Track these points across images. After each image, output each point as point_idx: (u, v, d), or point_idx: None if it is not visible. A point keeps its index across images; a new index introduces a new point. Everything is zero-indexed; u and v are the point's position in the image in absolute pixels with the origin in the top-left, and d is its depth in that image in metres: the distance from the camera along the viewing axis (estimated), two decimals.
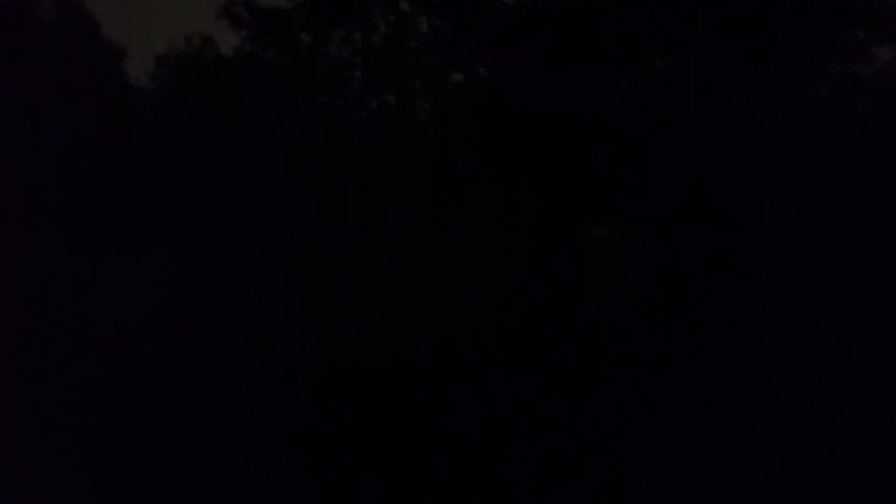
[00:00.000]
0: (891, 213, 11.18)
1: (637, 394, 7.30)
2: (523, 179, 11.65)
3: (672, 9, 9.79)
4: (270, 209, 15.55)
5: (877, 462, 5.65)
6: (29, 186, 14.00)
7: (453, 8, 10.61)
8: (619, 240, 12.44)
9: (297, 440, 6.22)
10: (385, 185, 15.57)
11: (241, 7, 16.76)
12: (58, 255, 13.78)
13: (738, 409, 7.03)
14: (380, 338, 9.62)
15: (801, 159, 11.18)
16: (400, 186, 15.53)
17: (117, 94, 16.12)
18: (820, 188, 11.33)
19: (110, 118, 15.52)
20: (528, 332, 9.65)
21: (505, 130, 11.81)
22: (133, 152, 15.71)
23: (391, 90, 17.80)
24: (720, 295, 9.76)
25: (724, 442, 6.16)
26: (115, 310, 11.72)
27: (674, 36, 9.98)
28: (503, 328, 10.06)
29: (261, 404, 7.11)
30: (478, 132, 13.86)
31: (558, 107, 9.73)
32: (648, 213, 11.40)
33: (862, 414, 6.65)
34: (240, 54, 17.34)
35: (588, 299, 9.92)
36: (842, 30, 10.97)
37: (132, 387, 7.59)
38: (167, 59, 17.65)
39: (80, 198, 14.92)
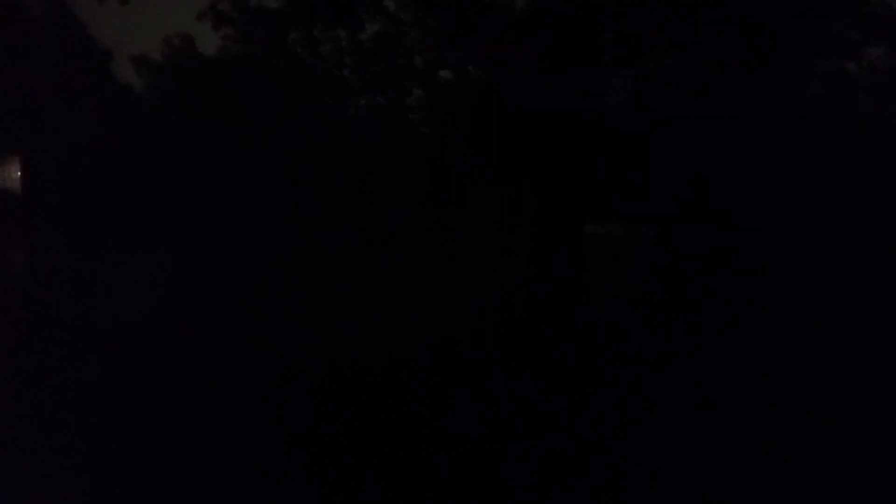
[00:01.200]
0: (891, 213, 11.18)
1: (637, 394, 7.30)
2: (523, 179, 11.66)
3: (672, 9, 9.80)
4: (270, 209, 15.54)
5: (877, 462, 5.65)
6: (28, 186, 14.01)
7: (453, 7, 10.63)
8: (620, 239, 12.44)
9: (297, 440, 6.22)
10: (384, 185, 15.57)
11: (230, 5, 16.70)
12: (57, 255, 13.78)
13: (738, 409, 7.03)
14: (380, 338, 9.61)
15: (802, 159, 11.18)
16: (399, 186, 15.52)
17: (116, 93, 16.12)
18: (821, 188, 11.33)
19: (109, 118, 15.52)
20: (528, 332, 9.65)
21: (504, 130, 11.82)
22: (131, 152, 15.71)
23: (390, 89, 17.80)
24: (720, 295, 9.77)
25: (724, 442, 6.16)
26: (114, 310, 11.71)
27: (674, 36, 9.99)
28: (503, 328, 10.05)
29: (261, 404, 7.11)
30: (477, 132, 13.87)
31: (558, 107, 9.74)
32: (648, 212, 11.41)
33: (862, 414, 6.65)
34: (232, 54, 17.30)
35: (588, 299, 9.93)
36: (838, 29, 10.99)
37: (132, 386, 7.59)
38: (148, 61, 17.57)
39: (79, 198, 14.91)
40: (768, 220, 10.69)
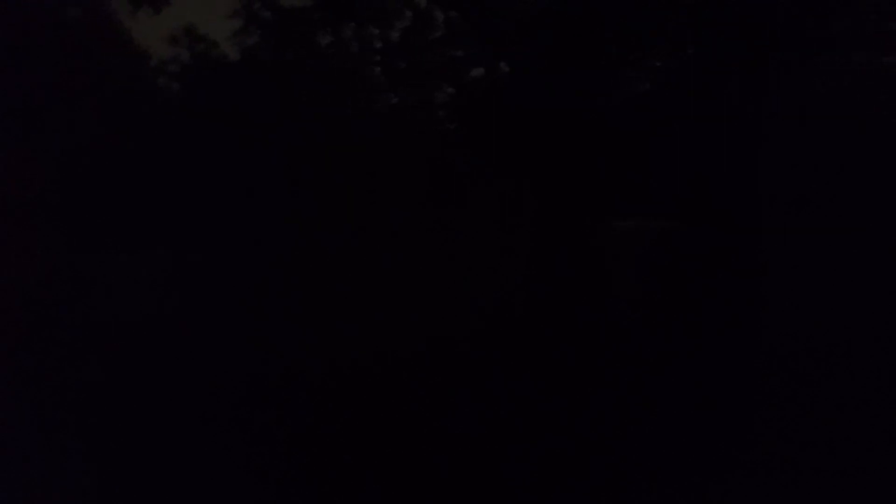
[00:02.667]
0: (891, 213, 11.17)
1: (637, 394, 7.30)
2: (524, 179, 11.66)
3: (672, 9, 9.80)
4: (270, 209, 15.55)
5: (877, 462, 5.65)
6: (29, 186, 14.01)
7: (454, 6, 10.64)
8: (619, 238, 12.42)
9: (297, 440, 6.22)
10: (385, 184, 15.57)
11: (261, 6, 16.87)
12: (57, 255, 13.77)
13: (739, 409, 7.03)
14: (380, 337, 9.62)
15: (803, 158, 11.17)
16: (400, 186, 15.53)
17: (117, 92, 16.12)
18: (821, 188, 11.32)
19: (110, 117, 15.52)
20: (528, 332, 9.64)
21: (504, 130, 11.82)
22: (133, 151, 15.71)
23: (394, 89, 17.87)
24: (721, 295, 9.77)
25: (724, 442, 6.16)
26: (114, 309, 11.71)
27: (674, 36, 9.99)
28: (503, 328, 10.05)
29: (261, 404, 7.11)
30: (477, 131, 13.87)
31: (558, 106, 9.73)
32: (648, 212, 11.42)
33: (862, 414, 6.65)
34: (248, 54, 17.39)
35: (588, 299, 9.92)
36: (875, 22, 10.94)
37: (132, 386, 7.59)
38: (167, 67, 17.67)
39: (79, 197, 14.92)
40: (769, 219, 10.68)
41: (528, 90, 10.08)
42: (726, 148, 10.32)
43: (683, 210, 10.80)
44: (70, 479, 5.38)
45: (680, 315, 10.00)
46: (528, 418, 6.67)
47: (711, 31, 9.77)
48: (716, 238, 10.30)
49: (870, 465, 5.58)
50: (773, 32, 9.64)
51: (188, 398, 7.21)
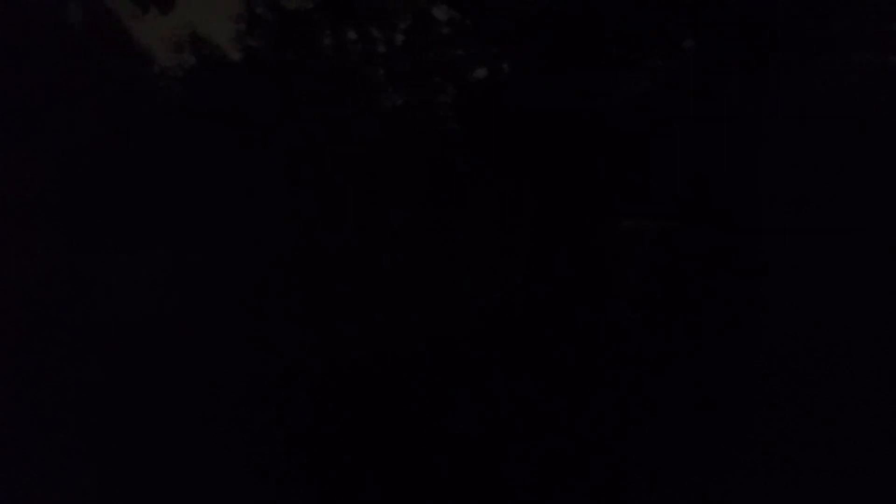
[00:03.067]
0: (892, 213, 11.17)
1: (637, 394, 7.30)
2: (524, 179, 11.67)
3: (672, 9, 9.80)
4: (270, 209, 15.55)
5: (877, 462, 5.65)
6: (29, 185, 14.01)
7: (456, 6, 10.64)
8: (620, 238, 12.43)
9: (297, 440, 6.22)
10: (385, 184, 15.57)
11: (264, 8, 16.90)
12: (57, 255, 13.78)
13: (739, 409, 7.03)
14: (380, 337, 9.62)
15: (805, 158, 11.17)
16: (400, 186, 15.53)
17: (117, 92, 16.13)
18: (822, 188, 11.32)
19: (110, 117, 15.53)
20: (528, 332, 9.65)
21: (504, 130, 11.82)
22: (133, 151, 15.71)
23: (396, 89, 17.87)
24: (721, 295, 9.77)
25: (724, 442, 6.16)
26: (114, 309, 11.71)
27: (674, 36, 10.00)
28: (503, 328, 10.05)
29: (261, 404, 7.11)
30: (477, 131, 13.87)
31: (558, 106, 9.74)
32: (649, 212, 11.42)
33: (862, 414, 6.65)
34: (248, 54, 17.41)
35: (589, 299, 9.93)
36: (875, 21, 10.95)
37: (131, 386, 7.59)
38: (169, 72, 17.70)
39: (79, 197, 14.92)
40: (769, 220, 10.68)
41: (528, 90, 10.09)
42: (727, 148, 10.32)
43: (683, 210, 10.81)
44: (70, 479, 5.38)
45: (680, 315, 10.00)
46: (528, 418, 6.67)
47: (711, 31, 9.77)
48: (716, 238, 10.31)
49: (870, 465, 5.58)
50: (773, 32, 9.65)
51: (188, 398, 7.21)
